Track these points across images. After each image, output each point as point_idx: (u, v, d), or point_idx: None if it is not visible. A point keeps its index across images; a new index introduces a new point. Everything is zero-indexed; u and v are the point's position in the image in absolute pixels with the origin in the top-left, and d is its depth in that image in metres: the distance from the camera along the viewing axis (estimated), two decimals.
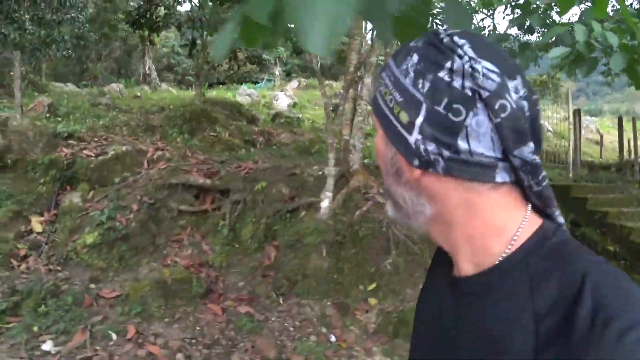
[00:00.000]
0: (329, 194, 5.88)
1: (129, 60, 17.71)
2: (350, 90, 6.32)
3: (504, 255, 0.68)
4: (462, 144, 0.64)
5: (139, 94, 12.03)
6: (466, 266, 0.72)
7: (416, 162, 0.68)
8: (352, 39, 6.24)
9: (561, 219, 0.73)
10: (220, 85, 17.19)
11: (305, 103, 15.83)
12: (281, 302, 5.45)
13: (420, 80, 0.66)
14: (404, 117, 0.68)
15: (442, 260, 0.81)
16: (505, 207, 0.69)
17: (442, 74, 0.64)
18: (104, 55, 15.91)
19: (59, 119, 8.45)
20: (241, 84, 16.30)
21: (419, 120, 0.66)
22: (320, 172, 6.44)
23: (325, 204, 5.85)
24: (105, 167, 7.01)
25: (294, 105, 14.60)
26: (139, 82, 15.38)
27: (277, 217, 6.30)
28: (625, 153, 10.68)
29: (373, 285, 5.65)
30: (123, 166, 7.08)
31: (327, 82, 22.93)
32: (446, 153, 0.66)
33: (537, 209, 0.72)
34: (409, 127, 0.67)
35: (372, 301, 5.47)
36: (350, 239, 5.87)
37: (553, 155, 9.74)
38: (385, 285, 5.64)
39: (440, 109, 0.64)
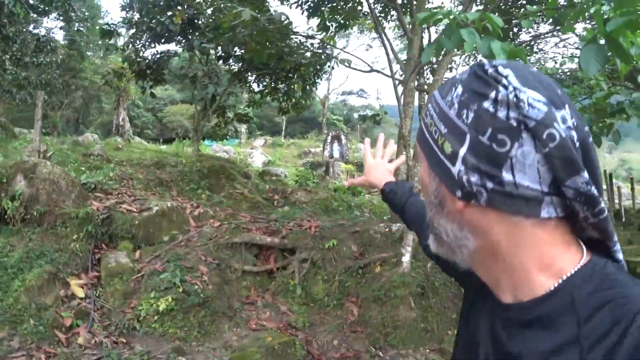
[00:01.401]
0: (409, 249, 5.97)
1: (88, 110, 16.18)
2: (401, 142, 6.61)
3: (551, 289, 0.65)
4: (506, 176, 0.63)
5: (120, 146, 11.10)
6: (508, 299, 0.70)
7: (459, 193, 0.67)
8: (406, 107, 6.62)
9: (620, 255, 0.70)
10: (184, 140, 16.47)
11: (277, 160, 15.73)
12: (381, 354, 5.31)
13: (465, 111, 0.65)
14: (448, 147, 0.67)
15: (480, 291, 0.79)
16: (551, 243, 0.66)
17: (487, 105, 0.63)
18: (64, 104, 14.44)
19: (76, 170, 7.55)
20: (203, 140, 15.78)
21: (462, 151, 0.65)
22: (386, 229, 6.51)
23: (407, 258, 5.91)
24: (151, 224, 6.37)
25: (269, 162, 14.43)
26: (105, 133, 14.05)
27: (348, 274, 6.20)
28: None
29: None
30: (170, 223, 6.49)
31: (291, 140, 23.21)
32: (489, 185, 0.64)
33: (592, 245, 0.69)
34: (453, 158, 0.67)
35: None
36: (429, 289, 5.97)
37: None
38: None
39: (484, 139, 0.63)
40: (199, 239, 6.21)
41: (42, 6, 10.23)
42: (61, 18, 11.57)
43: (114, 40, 8.93)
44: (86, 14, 12.28)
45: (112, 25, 9.00)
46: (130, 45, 9.43)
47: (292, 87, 10.03)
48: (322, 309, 5.91)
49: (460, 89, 0.67)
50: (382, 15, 8.53)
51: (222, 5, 6.54)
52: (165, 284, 5.47)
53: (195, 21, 8.19)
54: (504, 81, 0.63)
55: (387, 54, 6.69)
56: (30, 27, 10.89)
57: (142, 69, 8.77)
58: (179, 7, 7.06)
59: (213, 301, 5.43)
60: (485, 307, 0.77)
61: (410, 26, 6.63)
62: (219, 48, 8.80)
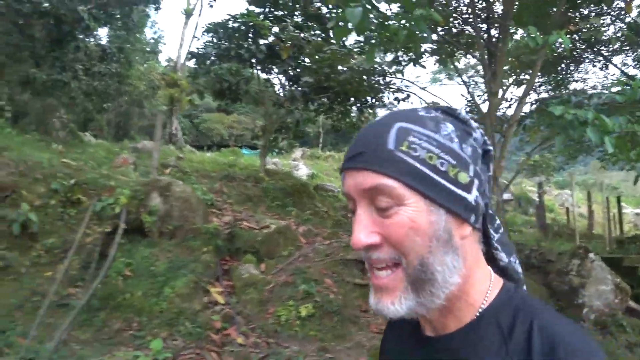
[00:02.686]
0: None
1: (129, 115, 17.11)
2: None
3: (480, 310, 0.78)
4: (488, 194, 0.80)
5: (181, 155, 12.15)
6: (451, 323, 0.79)
7: (473, 218, 0.76)
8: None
9: (519, 268, 0.87)
10: (223, 149, 17.62)
11: (318, 173, 16.90)
12: None
13: (464, 145, 0.76)
14: (464, 177, 0.74)
15: (401, 322, 0.91)
16: (483, 259, 0.82)
17: (472, 141, 0.78)
18: (110, 108, 15.32)
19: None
20: (241, 148, 17.07)
21: (475, 179, 0.76)
22: None
23: None
24: (271, 241, 7.61)
25: (313, 175, 15.61)
26: (146, 138, 14.99)
27: None
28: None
29: None
30: (285, 240, 7.75)
31: (328, 152, 24.20)
32: (485, 208, 0.79)
33: (494, 263, 0.85)
34: (469, 186, 0.75)
35: None
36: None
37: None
38: None
39: (478, 168, 0.78)
40: (316, 255, 7.50)
41: (105, 17, 11.28)
42: (121, 28, 12.63)
43: (202, 62, 10.06)
44: (134, 21, 13.28)
45: (201, 50, 10.13)
46: (200, 64, 10.58)
47: (349, 108, 11.37)
48: None
49: (451, 127, 0.76)
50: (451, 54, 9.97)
51: (329, 50, 7.82)
52: (301, 294, 6.75)
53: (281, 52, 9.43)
54: (472, 124, 0.80)
55: (472, 97, 8.17)
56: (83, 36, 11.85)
57: (222, 89, 9.95)
58: (288, 43, 8.30)
59: (342, 309, 6.75)
60: (411, 340, 0.89)
61: (492, 77, 8.09)
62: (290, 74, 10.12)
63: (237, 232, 7.50)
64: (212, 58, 10.43)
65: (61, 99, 10.51)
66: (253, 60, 10.00)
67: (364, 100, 10.75)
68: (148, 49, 17.75)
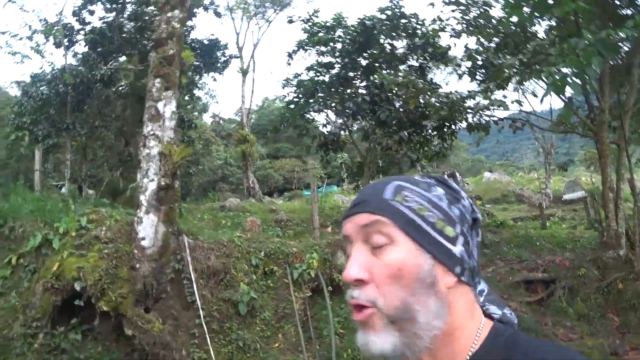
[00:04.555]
0: None
1: (189, 174, 17.44)
2: (610, 194, 9.59)
3: (470, 354, 0.87)
4: (475, 257, 0.94)
5: (274, 208, 12.90)
6: None
7: (458, 270, 0.89)
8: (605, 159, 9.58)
9: (515, 319, 0.98)
10: (285, 193, 18.41)
11: None
12: None
13: (453, 207, 0.93)
14: (450, 231, 0.90)
15: None
16: (477, 309, 0.94)
17: (460, 206, 0.95)
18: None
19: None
20: (301, 190, 17.99)
21: (460, 236, 0.91)
22: (615, 254, 9.38)
23: None
24: None
25: None
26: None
27: (598, 292, 8.97)
28: None
29: None
30: None
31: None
32: (472, 263, 0.93)
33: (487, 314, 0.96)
34: (455, 240, 0.90)
35: None
36: None
37: None
38: None
39: (466, 229, 0.93)
40: (490, 280, 8.67)
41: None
42: (186, 95, 13.38)
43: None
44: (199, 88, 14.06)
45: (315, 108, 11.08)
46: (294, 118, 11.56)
47: (428, 138, 12.59)
48: (590, 320, 8.60)
49: (441, 190, 0.95)
50: None
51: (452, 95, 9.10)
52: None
53: (382, 97, 10.60)
54: (463, 194, 0.98)
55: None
56: None
57: (326, 142, 10.97)
58: (413, 97, 9.44)
59: (529, 324, 7.93)
60: None
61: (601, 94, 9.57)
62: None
63: None
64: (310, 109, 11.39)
65: None
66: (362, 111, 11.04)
67: (445, 129, 11.99)
68: (197, 109, 18.57)
